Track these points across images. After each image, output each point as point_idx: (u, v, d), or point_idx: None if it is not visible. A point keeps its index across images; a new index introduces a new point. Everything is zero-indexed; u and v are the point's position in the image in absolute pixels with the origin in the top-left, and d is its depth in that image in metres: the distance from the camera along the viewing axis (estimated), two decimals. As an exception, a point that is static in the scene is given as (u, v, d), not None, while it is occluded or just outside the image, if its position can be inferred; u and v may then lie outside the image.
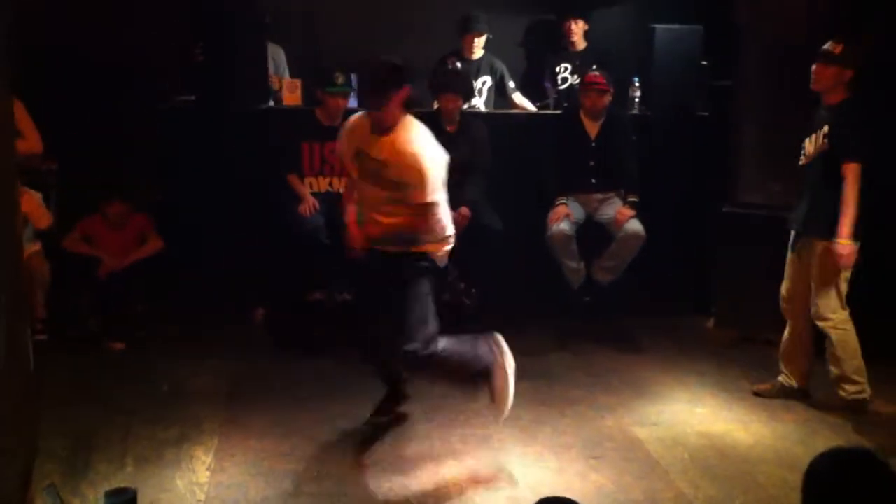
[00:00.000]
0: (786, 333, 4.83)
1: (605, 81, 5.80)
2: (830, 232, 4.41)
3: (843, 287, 4.54)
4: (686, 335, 5.83)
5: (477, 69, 6.65)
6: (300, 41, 6.62)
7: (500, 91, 6.72)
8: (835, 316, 4.54)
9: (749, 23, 5.83)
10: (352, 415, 4.50)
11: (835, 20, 5.44)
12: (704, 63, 6.43)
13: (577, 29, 6.79)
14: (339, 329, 5.55)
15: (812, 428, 4.51)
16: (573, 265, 5.64)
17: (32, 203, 5.11)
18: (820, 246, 4.52)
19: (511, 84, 6.70)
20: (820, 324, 4.60)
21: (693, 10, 6.51)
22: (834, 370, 4.61)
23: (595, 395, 4.89)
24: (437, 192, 3.96)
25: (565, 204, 5.73)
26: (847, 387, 4.59)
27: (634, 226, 5.62)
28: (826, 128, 4.50)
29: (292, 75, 6.50)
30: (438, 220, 4.05)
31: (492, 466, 4.09)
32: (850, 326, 4.57)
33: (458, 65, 6.54)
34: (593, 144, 5.89)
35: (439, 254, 4.14)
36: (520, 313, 5.87)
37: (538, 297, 6.04)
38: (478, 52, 6.66)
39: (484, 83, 6.69)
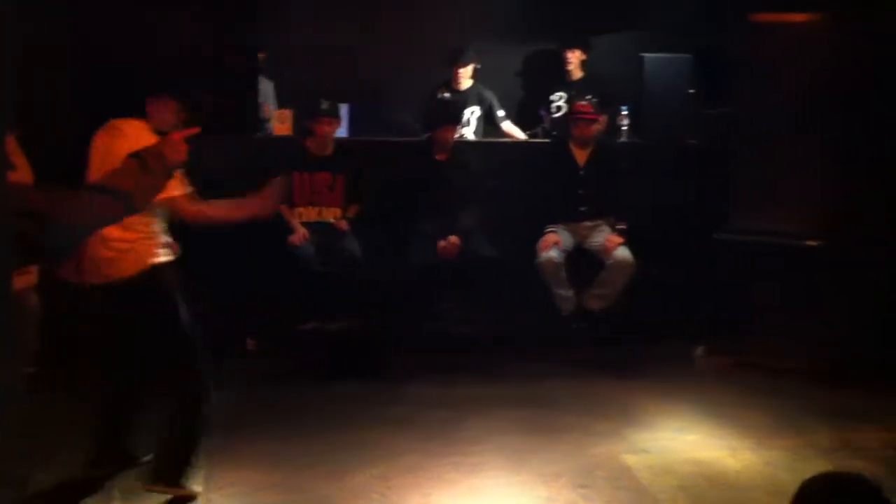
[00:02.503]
0: None
1: (592, 111, 5.86)
2: None
3: None
4: (678, 362, 5.83)
5: (465, 99, 6.72)
6: (291, 74, 6.66)
7: (489, 120, 6.79)
8: None
9: (745, 52, 5.90)
10: (343, 444, 4.51)
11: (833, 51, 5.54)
12: (693, 91, 6.49)
13: (574, 58, 6.87)
14: (333, 358, 5.61)
15: (800, 454, 4.50)
16: (563, 293, 5.68)
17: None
18: None
19: (500, 113, 6.76)
20: None
21: (682, 40, 6.60)
22: None
23: (587, 422, 4.89)
24: None
25: (555, 232, 5.78)
26: None
27: (623, 253, 5.67)
28: None
29: (283, 107, 6.55)
30: None
31: (484, 496, 4.09)
32: None
33: (448, 95, 6.62)
34: (582, 173, 5.95)
35: None
36: (514, 341, 5.93)
37: (532, 325, 6.06)
38: (466, 83, 6.74)
39: (472, 113, 6.75)
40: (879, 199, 5.19)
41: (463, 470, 4.30)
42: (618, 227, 5.83)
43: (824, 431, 4.73)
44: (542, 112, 6.91)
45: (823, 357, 5.46)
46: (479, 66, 6.79)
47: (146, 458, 4.06)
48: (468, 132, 6.72)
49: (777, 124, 5.70)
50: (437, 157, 5.95)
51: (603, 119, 6.40)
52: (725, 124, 6.14)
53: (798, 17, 5.80)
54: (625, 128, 6.61)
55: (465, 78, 6.76)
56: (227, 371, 5.46)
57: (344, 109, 6.52)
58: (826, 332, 5.46)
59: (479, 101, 6.79)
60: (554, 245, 5.70)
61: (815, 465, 4.34)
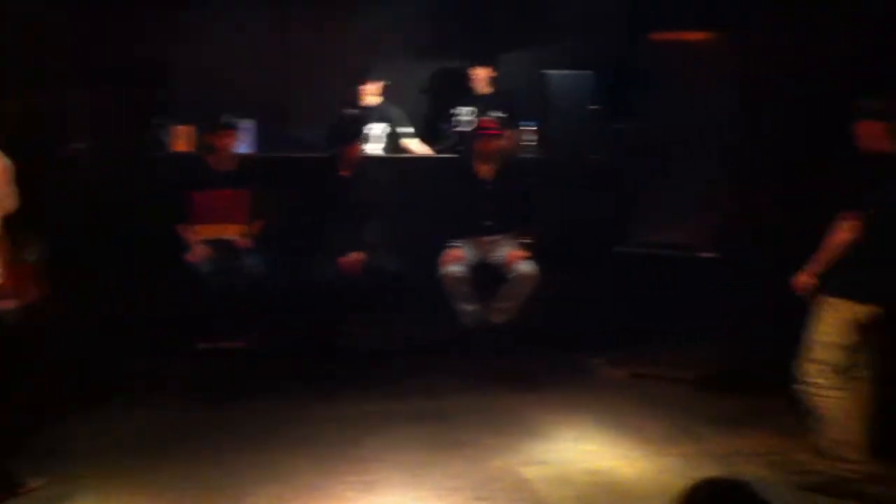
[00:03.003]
0: None
1: (496, 126, 5.92)
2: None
3: None
4: (577, 373, 5.88)
5: (373, 116, 6.73)
6: (194, 89, 6.59)
7: (396, 137, 6.80)
8: None
9: (646, 69, 6.03)
10: (238, 465, 4.46)
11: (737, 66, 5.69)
12: (595, 107, 6.60)
13: (481, 75, 6.92)
14: (229, 377, 5.53)
15: (694, 461, 4.57)
16: (466, 307, 5.71)
17: None
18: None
19: (407, 130, 6.79)
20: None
21: (583, 57, 6.71)
22: None
23: (486, 436, 4.90)
24: None
25: (458, 247, 5.81)
26: None
27: (526, 266, 5.72)
28: None
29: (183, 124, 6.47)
30: None
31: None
32: None
33: (354, 112, 6.63)
34: (488, 188, 5.99)
35: None
36: (416, 356, 5.93)
37: (435, 339, 6.07)
38: (373, 100, 6.74)
39: (381, 130, 6.76)
40: (771, 213, 5.32)
41: (359, 488, 4.27)
42: (521, 240, 5.88)
43: (716, 438, 4.83)
44: (444, 126, 6.94)
45: (716, 366, 5.61)
46: (387, 84, 6.81)
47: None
48: (375, 149, 6.72)
49: (673, 139, 5.83)
50: (343, 172, 5.94)
51: (509, 135, 6.46)
52: (626, 139, 6.26)
53: (695, 36, 5.95)
54: (532, 143, 6.68)
55: (373, 95, 6.77)
56: (119, 391, 5.40)
57: (249, 126, 6.49)
58: (718, 342, 5.62)
59: (387, 119, 6.80)
60: (456, 259, 5.73)
61: (707, 472, 4.35)
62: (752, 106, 5.68)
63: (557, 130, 6.61)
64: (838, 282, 4.13)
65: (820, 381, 4.19)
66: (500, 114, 6.36)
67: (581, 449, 4.76)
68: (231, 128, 5.74)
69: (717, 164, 5.79)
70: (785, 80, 5.52)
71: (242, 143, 6.38)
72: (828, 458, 4.28)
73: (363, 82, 6.72)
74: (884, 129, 4.11)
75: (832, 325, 4.15)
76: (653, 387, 5.48)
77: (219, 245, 5.66)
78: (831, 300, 4.16)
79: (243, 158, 5.98)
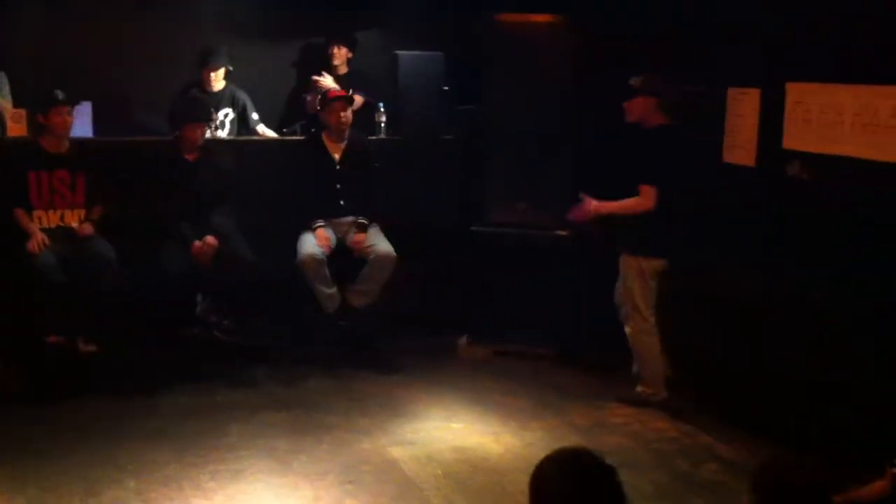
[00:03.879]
0: None
1: (346, 93, 5.87)
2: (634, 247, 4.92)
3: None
4: (441, 353, 5.90)
5: (218, 101, 6.49)
6: (28, 71, 6.17)
7: (243, 122, 6.60)
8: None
9: (492, 51, 6.07)
10: (95, 460, 4.24)
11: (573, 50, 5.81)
12: (447, 88, 6.60)
13: (340, 54, 6.78)
14: (82, 372, 5.24)
15: (558, 434, 4.68)
16: (326, 290, 5.58)
17: None
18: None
19: (254, 116, 6.58)
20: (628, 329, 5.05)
21: (436, 37, 6.71)
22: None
23: (353, 418, 4.86)
24: None
25: (323, 227, 5.69)
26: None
27: (385, 247, 5.65)
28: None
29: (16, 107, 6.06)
30: None
31: (245, 501, 3.96)
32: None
33: (198, 94, 6.40)
34: (338, 168, 5.90)
35: None
36: (277, 343, 5.79)
37: (296, 326, 5.95)
38: (218, 84, 6.51)
39: (226, 115, 6.54)
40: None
41: (222, 478, 4.15)
42: (359, 221, 5.79)
43: (579, 412, 4.97)
44: (307, 96, 6.72)
45: (574, 342, 5.76)
46: (230, 69, 6.58)
47: None
48: (222, 134, 6.50)
49: (524, 120, 5.90)
50: (187, 156, 5.70)
51: (359, 101, 6.35)
52: (478, 120, 6.30)
53: (539, 18, 6.04)
54: (382, 124, 6.63)
55: (219, 80, 6.53)
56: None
57: (86, 108, 6.14)
58: (576, 319, 5.77)
59: (233, 103, 6.58)
60: (322, 241, 5.59)
61: (571, 444, 4.52)
62: (582, 89, 5.84)
63: (409, 111, 6.56)
64: (634, 242, 4.96)
65: (632, 325, 5.00)
66: (358, 94, 6.25)
67: (448, 427, 4.80)
68: (63, 104, 5.36)
69: (565, 145, 5.90)
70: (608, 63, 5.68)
71: (79, 126, 6.05)
72: (646, 390, 5.04)
73: (208, 67, 6.47)
74: (655, 104, 4.89)
75: (633, 278, 4.97)
76: (515, 364, 5.56)
77: (57, 233, 5.30)
78: (629, 258, 4.99)
79: (77, 141, 5.64)
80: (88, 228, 5.40)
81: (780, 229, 4.76)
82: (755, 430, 4.54)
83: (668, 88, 4.95)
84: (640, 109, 4.94)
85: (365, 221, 5.79)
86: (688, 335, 5.13)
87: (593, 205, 5.06)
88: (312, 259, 5.53)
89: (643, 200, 4.86)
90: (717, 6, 5.17)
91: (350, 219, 5.84)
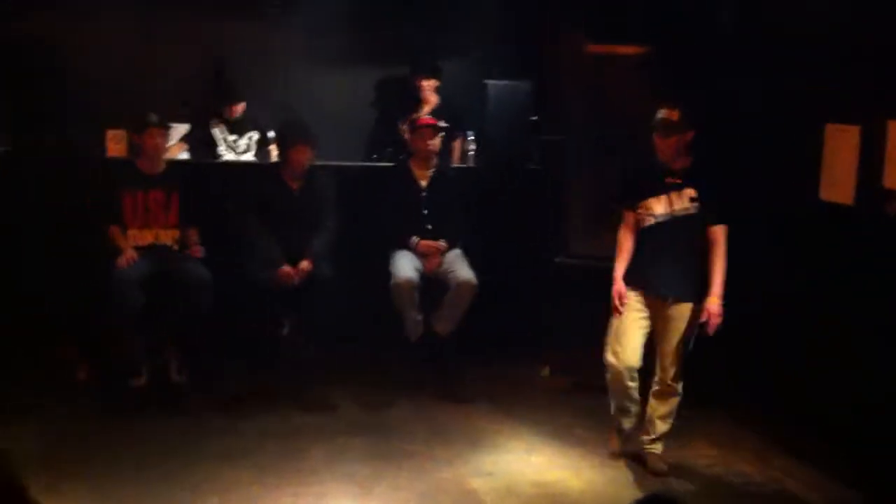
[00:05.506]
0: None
1: (436, 122, 5.90)
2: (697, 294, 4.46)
3: None
4: (522, 384, 5.87)
5: (243, 126, 6.62)
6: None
7: (262, 142, 6.67)
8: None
9: (578, 81, 6.06)
10: (174, 479, 4.30)
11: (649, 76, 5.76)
12: (535, 118, 6.59)
13: (428, 85, 6.85)
14: (163, 389, 5.33)
15: (641, 473, 4.60)
16: (414, 316, 5.58)
17: None
18: (686, 308, 4.52)
19: (270, 133, 6.60)
20: (674, 385, 4.64)
21: (523, 66, 6.71)
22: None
23: (433, 447, 4.85)
24: None
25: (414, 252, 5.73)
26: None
27: (466, 274, 5.63)
28: (689, 191, 4.48)
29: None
30: None
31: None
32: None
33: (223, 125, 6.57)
34: (424, 193, 5.92)
35: None
36: (358, 365, 5.82)
37: (377, 349, 5.97)
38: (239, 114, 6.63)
39: (251, 137, 6.63)
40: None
41: (304, 500, 4.17)
42: (440, 244, 5.79)
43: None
44: (401, 123, 6.78)
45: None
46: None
47: None
48: (249, 157, 6.61)
49: (606, 151, 5.87)
50: (291, 184, 5.71)
51: (458, 143, 6.40)
52: (564, 150, 6.28)
53: (626, 49, 6.01)
54: (471, 153, 6.66)
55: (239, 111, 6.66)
56: (55, 401, 5.16)
57: (185, 130, 6.34)
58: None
59: (255, 125, 6.66)
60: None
61: (652, 484, 4.46)
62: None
63: (496, 140, 6.57)
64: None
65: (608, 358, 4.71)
66: (444, 123, 6.28)
67: (528, 460, 4.75)
68: (158, 126, 5.51)
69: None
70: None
71: (180, 149, 6.24)
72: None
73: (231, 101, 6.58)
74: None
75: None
76: (595, 397, 5.48)
77: (150, 251, 5.40)
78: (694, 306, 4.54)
79: (172, 161, 5.78)
80: (200, 251, 5.47)
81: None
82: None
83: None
84: (678, 147, 4.49)
85: (445, 245, 5.79)
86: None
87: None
88: (409, 283, 5.51)
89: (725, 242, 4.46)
90: (817, 42, 5.06)
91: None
